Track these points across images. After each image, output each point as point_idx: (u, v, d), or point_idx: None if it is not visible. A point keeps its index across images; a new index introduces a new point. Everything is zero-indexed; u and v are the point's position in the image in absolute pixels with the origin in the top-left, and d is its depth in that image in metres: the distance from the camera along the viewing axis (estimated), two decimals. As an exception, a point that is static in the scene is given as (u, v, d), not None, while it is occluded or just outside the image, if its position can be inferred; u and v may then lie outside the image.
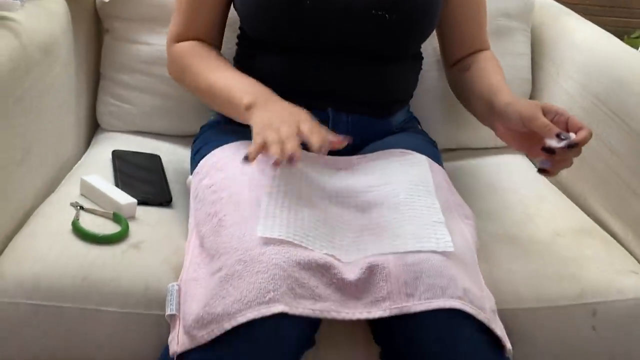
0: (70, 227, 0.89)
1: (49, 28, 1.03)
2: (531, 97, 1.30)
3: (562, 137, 0.83)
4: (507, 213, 1.06)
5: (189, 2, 1.01)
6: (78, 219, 0.90)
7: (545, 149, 0.84)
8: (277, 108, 0.86)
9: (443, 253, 0.77)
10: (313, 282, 0.73)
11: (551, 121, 0.85)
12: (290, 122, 0.81)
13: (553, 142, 0.84)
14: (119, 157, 1.09)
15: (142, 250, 0.88)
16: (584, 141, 0.84)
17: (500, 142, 1.28)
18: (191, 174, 1.01)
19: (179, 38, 1.02)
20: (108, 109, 1.22)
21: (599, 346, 0.91)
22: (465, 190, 1.07)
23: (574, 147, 0.83)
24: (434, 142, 1.10)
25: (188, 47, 1.01)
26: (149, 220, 0.95)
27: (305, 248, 0.75)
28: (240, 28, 1.07)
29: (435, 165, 0.98)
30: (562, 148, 0.83)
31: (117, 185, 1.01)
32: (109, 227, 0.90)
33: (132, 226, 0.91)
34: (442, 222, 0.81)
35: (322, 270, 0.74)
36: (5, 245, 0.87)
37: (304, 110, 0.85)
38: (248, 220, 0.79)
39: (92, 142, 1.21)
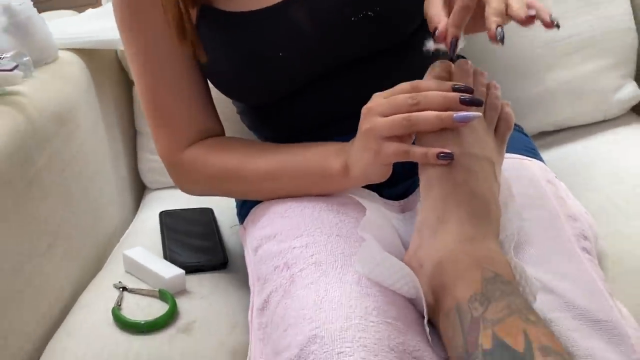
0: (111, 316, 0.76)
1: (63, 94, 0.92)
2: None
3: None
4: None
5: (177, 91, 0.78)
6: (120, 305, 0.77)
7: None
8: (355, 144, 0.68)
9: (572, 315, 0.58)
10: None
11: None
12: (374, 133, 0.64)
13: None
14: (167, 219, 0.97)
15: (194, 333, 0.73)
16: None
17: (609, 115, 1.05)
18: (240, 222, 0.86)
19: (187, 141, 0.80)
20: (149, 165, 1.10)
21: None
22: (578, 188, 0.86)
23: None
24: (519, 126, 0.88)
25: (210, 145, 0.79)
26: (201, 292, 0.80)
27: (399, 329, 0.57)
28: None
29: (527, 161, 0.77)
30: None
31: (165, 253, 0.88)
32: (156, 308, 0.77)
33: (182, 302, 0.78)
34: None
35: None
36: (44, 346, 0.75)
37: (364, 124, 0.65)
38: (328, 278, 0.61)
39: (141, 205, 1.10)
